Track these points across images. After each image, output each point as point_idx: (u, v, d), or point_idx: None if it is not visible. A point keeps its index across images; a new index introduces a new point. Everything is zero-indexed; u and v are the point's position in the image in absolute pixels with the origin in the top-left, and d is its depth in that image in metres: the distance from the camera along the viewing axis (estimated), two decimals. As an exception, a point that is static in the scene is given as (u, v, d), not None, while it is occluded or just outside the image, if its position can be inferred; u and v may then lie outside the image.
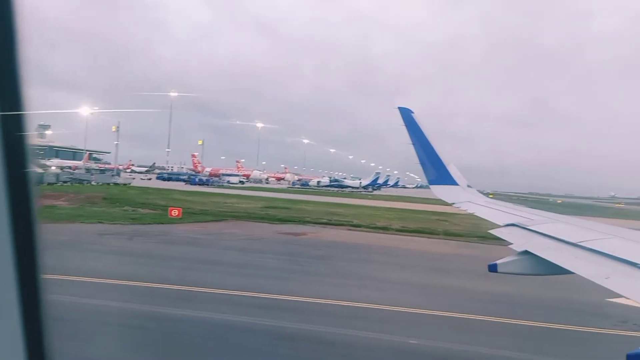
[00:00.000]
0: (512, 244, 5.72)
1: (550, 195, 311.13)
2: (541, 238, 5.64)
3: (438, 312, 14.36)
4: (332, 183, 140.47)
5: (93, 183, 73.38)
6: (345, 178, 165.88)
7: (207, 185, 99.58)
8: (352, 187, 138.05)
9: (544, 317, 14.64)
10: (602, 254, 4.38)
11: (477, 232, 38.42)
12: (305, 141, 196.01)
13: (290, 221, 38.67)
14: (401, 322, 13.47)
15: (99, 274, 15.90)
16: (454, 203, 9.94)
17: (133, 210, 39.35)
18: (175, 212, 36.92)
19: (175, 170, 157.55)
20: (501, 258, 5.16)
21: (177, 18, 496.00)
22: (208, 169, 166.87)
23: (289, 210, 47.45)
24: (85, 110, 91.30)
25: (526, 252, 5.13)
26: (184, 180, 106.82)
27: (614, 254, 4.24)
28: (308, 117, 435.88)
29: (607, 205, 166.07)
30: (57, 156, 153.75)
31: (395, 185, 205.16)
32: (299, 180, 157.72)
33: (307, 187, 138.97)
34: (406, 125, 10.65)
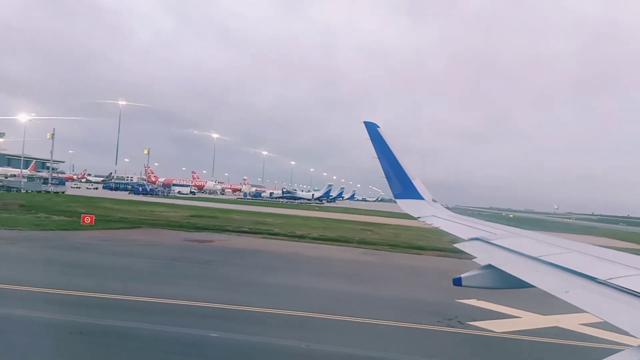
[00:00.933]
0: (475, 257, 5.80)
1: (510, 210, 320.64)
2: (504, 252, 5.74)
3: (254, 309, 14.99)
4: (284, 195, 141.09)
5: (22, 191, 71.83)
6: (309, 190, 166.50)
7: (151, 194, 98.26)
8: (305, 199, 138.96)
9: (375, 314, 15.49)
10: (562, 268, 4.48)
11: (392, 241, 39.69)
12: (267, 153, 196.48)
13: (208, 229, 38.84)
14: (207, 316, 14.03)
15: None
16: (419, 217, 10.00)
17: (46, 217, 38.73)
18: (87, 220, 36.60)
19: (134, 180, 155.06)
20: (466, 272, 5.32)
21: (140, 25, 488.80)
22: (161, 179, 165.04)
23: (215, 219, 47.53)
24: (23, 117, 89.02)
25: (490, 266, 5.20)
26: (128, 190, 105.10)
27: (572, 268, 4.33)
28: (273, 128, 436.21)
29: (558, 220, 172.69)
30: (9, 164, 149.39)
31: (352, 197, 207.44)
32: (252, 191, 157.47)
33: (260, 198, 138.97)
34: (372, 140, 10.73)
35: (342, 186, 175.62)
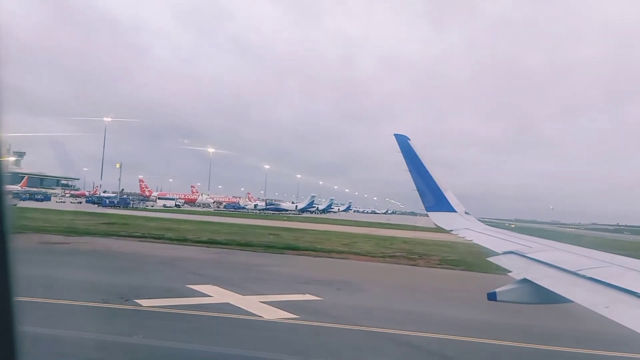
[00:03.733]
0: (511, 271, 5.73)
1: (535, 221, 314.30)
2: (540, 266, 5.65)
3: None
4: (268, 207, 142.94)
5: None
6: (311, 202, 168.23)
7: (119, 207, 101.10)
8: (288, 211, 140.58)
9: (67, 296, 16.66)
10: (602, 282, 4.39)
11: (279, 244, 40.19)
12: (269, 167, 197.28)
13: (97, 234, 40.12)
14: None
15: None
16: (452, 230, 9.97)
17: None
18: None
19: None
20: (500, 286, 5.26)
21: (158, 41, 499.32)
22: (155, 193, 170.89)
23: (124, 226, 49.02)
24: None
25: (525, 280, 5.14)
26: (97, 203, 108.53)
27: (613, 283, 4.25)
28: (293, 141, 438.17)
29: (561, 230, 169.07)
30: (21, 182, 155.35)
31: (348, 209, 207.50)
32: (233, 204, 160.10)
33: (241, 209, 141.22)
34: (402, 153, 10.61)
35: (331, 198, 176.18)
